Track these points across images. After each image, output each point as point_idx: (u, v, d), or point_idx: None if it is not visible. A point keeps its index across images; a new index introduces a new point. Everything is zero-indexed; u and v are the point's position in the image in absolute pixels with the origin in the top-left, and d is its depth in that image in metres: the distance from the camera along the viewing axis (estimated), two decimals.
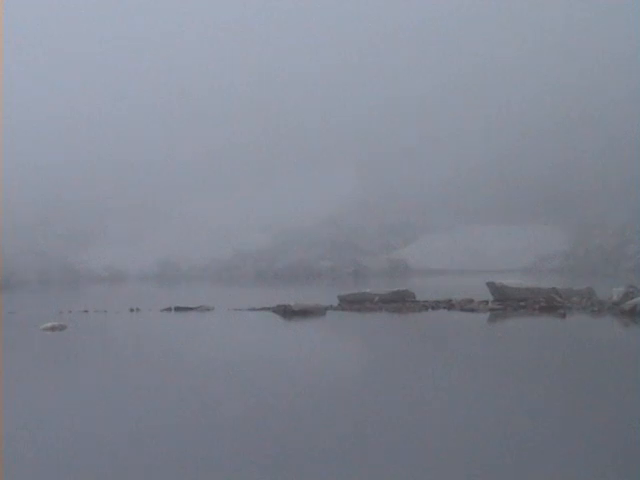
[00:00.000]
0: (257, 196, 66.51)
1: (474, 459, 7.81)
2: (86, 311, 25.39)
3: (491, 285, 24.59)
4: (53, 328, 20.23)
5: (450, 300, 24.46)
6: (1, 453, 8.16)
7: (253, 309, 25.07)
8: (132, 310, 25.47)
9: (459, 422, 9.31)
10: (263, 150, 68.29)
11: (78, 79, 74.97)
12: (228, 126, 70.78)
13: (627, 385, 11.90)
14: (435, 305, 24.29)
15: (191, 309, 25.46)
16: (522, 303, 23.26)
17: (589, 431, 8.91)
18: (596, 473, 7.42)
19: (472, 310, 23.16)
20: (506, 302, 23.55)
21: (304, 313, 23.33)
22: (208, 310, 25.29)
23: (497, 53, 66.26)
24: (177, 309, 25.49)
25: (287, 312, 23.58)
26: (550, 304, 22.92)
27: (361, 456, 8.03)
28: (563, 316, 21.35)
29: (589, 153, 60.64)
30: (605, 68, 61.91)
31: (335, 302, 25.03)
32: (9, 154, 64.29)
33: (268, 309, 24.62)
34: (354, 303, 24.93)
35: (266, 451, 8.27)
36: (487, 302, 23.94)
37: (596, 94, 61.75)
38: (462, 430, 8.93)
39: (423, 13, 69.68)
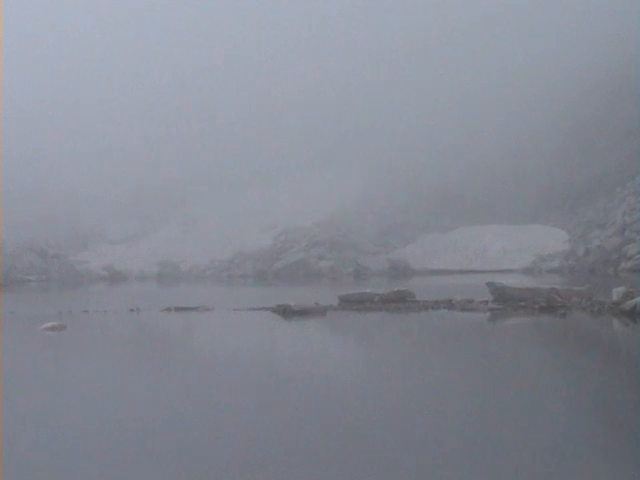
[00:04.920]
0: (257, 196, 66.51)
1: (473, 458, 7.81)
2: (86, 311, 25.38)
3: (491, 285, 24.57)
4: (53, 328, 20.22)
5: (450, 300, 24.43)
6: (1, 453, 8.16)
7: (253, 309, 25.06)
8: (132, 310, 25.45)
9: (458, 420, 9.31)
10: (263, 150, 68.27)
11: (80, 79, 74.95)
12: (228, 126, 70.77)
13: (627, 385, 11.90)
14: (435, 305, 24.27)
15: (191, 309, 25.45)
16: (522, 303, 23.23)
17: (589, 430, 8.91)
18: (598, 470, 7.42)
19: (472, 310, 23.15)
20: (506, 302, 23.53)
21: (304, 313, 23.31)
22: (208, 310, 25.28)
23: (499, 52, 66.23)
24: (177, 309, 25.47)
25: (287, 312, 23.56)
26: (550, 304, 22.89)
27: (361, 455, 8.03)
28: (563, 316, 21.34)
29: (589, 152, 60.63)
30: (605, 70, 61.89)
31: (335, 302, 25.02)
32: (9, 154, 64.29)
33: (268, 309, 24.60)
34: (354, 303, 24.91)
35: (267, 450, 8.27)
36: (487, 302, 23.93)
37: (596, 94, 61.75)
38: (461, 428, 8.93)
39: (427, 19, 69.69)
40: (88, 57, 76.36)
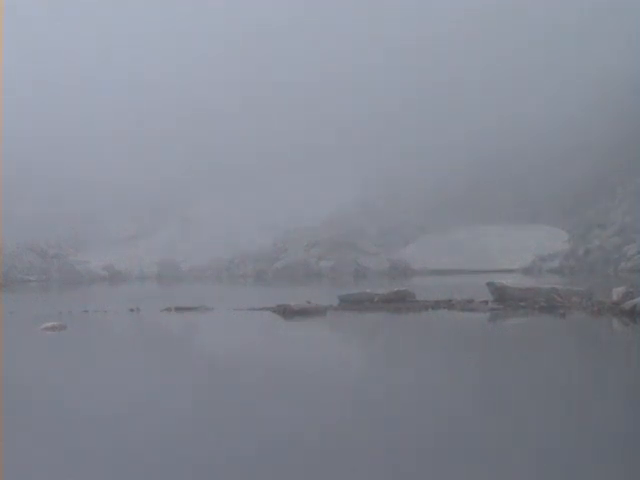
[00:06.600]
0: (257, 196, 66.47)
1: (474, 459, 7.82)
2: (86, 311, 25.36)
3: (491, 285, 24.57)
4: (53, 328, 20.23)
5: (450, 300, 24.43)
6: (1, 453, 8.16)
7: (253, 309, 25.05)
8: (132, 310, 25.44)
9: (459, 421, 9.31)
10: (263, 150, 68.24)
11: (80, 80, 74.92)
12: (228, 126, 70.73)
13: (627, 384, 11.90)
14: (435, 305, 24.26)
15: (191, 309, 25.44)
16: (522, 303, 23.24)
17: (589, 430, 8.91)
18: (598, 471, 7.42)
19: (472, 310, 23.15)
20: (506, 302, 23.53)
21: (304, 313, 23.31)
22: (208, 310, 25.27)
23: (498, 51, 66.19)
24: (177, 309, 25.46)
25: (287, 312, 23.56)
26: (550, 304, 22.91)
27: (361, 455, 8.03)
28: (563, 316, 21.35)
29: (590, 152, 60.62)
30: (606, 71, 61.90)
31: (335, 302, 25.01)
32: (9, 153, 64.27)
33: (268, 309, 24.59)
34: (354, 303, 24.89)
35: (268, 450, 8.27)
36: (487, 302, 23.94)
37: (597, 94, 61.75)
38: (462, 428, 8.93)
39: (428, 19, 69.63)
40: (88, 56, 76.32)
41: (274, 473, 7.57)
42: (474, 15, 68.39)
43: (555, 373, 12.95)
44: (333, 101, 69.55)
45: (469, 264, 55.75)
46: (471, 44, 67.44)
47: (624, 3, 63.89)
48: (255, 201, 66.01)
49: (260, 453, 8.18)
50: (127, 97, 73.69)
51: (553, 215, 60.69)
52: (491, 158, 61.91)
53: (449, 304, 24.07)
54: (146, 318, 23.80)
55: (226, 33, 74.76)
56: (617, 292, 21.63)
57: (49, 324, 20.49)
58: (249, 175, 67.56)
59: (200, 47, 74.75)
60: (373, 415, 9.85)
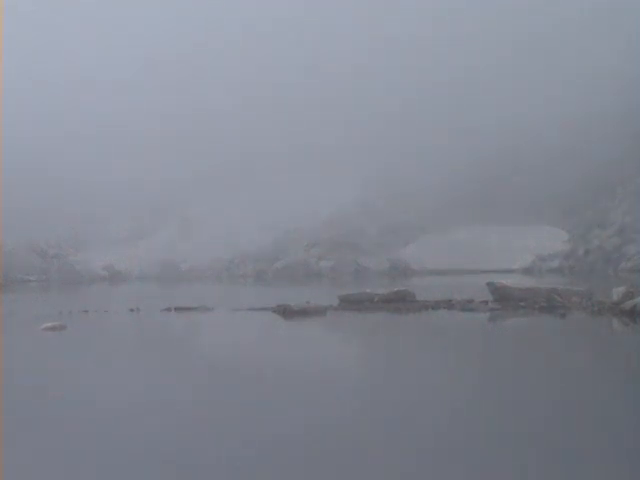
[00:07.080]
0: (257, 196, 66.48)
1: (474, 458, 7.82)
2: (86, 311, 25.37)
3: (491, 285, 24.59)
4: (53, 328, 20.23)
5: (450, 300, 24.45)
6: (1, 454, 8.16)
7: (253, 309, 25.06)
8: (132, 310, 25.45)
9: (459, 422, 9.32)
10: (263, 150, 68.24)
11: (80, 80, 74.92)
12: (228, 126, 70.73)
13: (627, 384, 11.91)
14: (435, 305, 24.27)
15: (191, 309, 25.45)
16: (522, 303, 23.26)
17: (588, 431, 8.92)
18: (599, 472, 7.43)
19: (472, 310, 23.15)
20: (506, 302, 23.55)
21: (304, 313, 23.31)
22: (208, 310, 25.28)
23: (498, 51, 66.21)
24: (177, 309, 25.47)
25: (287, 312, 23.57)
26: (550, 304, 22.92)
27: (360, 457, 8.03)
28: (563, 316, 21.36)
29: (590, 152, 60.63)
30: (607, 70, 61.89)
31: (335, 302, 25.02)
32: (9, 153, 64.28)
33: (268, 309, 24.60)
34: (354, 303, 24.91)
35: (268, 452, 8.28)
36: (487, 302, 23.95)
37: (598, 94, 61.75)
38: (461, 429, 8.93)
39: (429, 18, 69.62)
40: (88, 56, 76.31)
41: (274, 473, 7.58)
42: (474, 15, 68.43)
43: (555, 373, 12.96)
44: (333, 101, 69.55)
45: (469, 264, 55.74)
46: (471, 44, 67.45)
47: (624, 3, 63.95)
48: (255, 201, 66.01)
49: (260, 453, 8.19)
50: (127, 97, 73.70)
51: (553, 215, 60.70)
52: (491, 158, 61.90)
53: (449, 304, 24.08)
54: (146, 318, 23.81)
55: (226, 33, 74.76)
56: (617, 292, 21.63)
57: (49, 324, 20.50)
58: (249, 175, 67.56)
59: (200, 47, 74.72)
60: (373, 415, 9.86)
